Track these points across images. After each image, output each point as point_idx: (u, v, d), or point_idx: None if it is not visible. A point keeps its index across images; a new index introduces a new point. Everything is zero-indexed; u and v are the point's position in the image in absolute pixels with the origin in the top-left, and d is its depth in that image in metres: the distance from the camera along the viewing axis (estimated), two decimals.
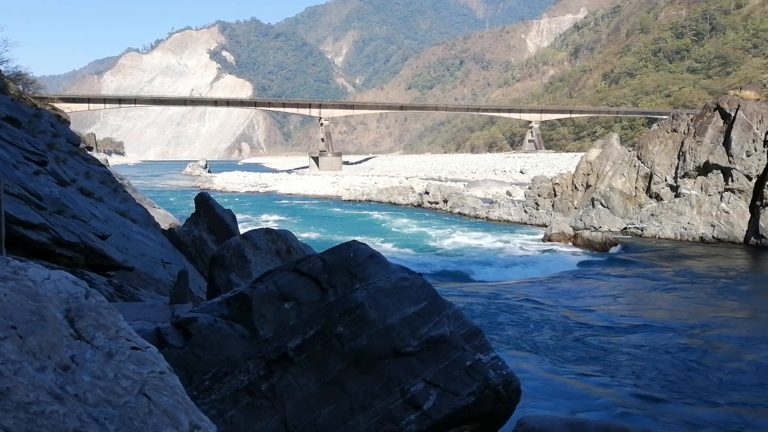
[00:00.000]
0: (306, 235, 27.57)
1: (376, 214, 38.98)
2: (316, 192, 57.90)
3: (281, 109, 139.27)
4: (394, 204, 45.51)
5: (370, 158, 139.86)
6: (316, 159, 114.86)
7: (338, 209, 43.76)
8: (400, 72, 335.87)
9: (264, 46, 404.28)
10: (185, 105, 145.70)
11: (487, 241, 26.78)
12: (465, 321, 4.21)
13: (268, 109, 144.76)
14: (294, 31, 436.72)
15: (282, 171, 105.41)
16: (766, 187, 24.17)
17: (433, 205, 41.97)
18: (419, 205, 43.39)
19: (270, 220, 35.52)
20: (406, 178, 68.69)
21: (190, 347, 3.75)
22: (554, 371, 9.16)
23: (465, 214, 37.40)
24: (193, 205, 13.24)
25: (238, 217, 14.26)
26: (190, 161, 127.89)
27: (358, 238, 5.27)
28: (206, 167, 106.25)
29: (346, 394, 3.76)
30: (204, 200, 13.68)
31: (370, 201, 48.38)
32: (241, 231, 11.36)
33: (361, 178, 74.53)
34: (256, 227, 7.65)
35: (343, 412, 3.70)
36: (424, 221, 35.02)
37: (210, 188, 62.56)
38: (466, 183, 57.29)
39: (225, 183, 69.47)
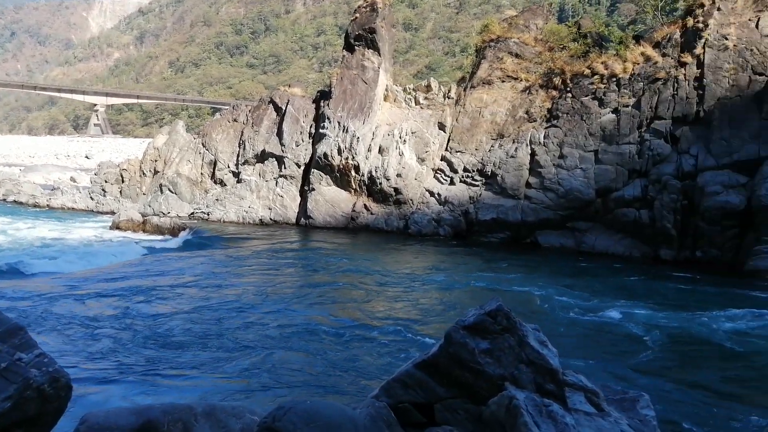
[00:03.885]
0: None
1: None
2: None
3: None
4: None
5: None
6: None
7: None
8: None
9: None
10: None
11: (48, 231, 24.43)
12: (1, 319, 3.78)
13: None
14: None
15: None
16: (311, 174, 27.45)
17: None
18: None
19: None
20: None
21: None
22: (121, 361, 8.92)
23: (22, 203, 33.68)
24: None
25: None
26: None
27: None
28: None
29: None
30: None
31: None
32: None
33: None
34: None
35: None
36: None
37: None
38: (22, 168, 51.43)
39: None
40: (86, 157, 69.27)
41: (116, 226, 25.55)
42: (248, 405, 5.31)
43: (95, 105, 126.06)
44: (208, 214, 28.59)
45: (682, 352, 10.37)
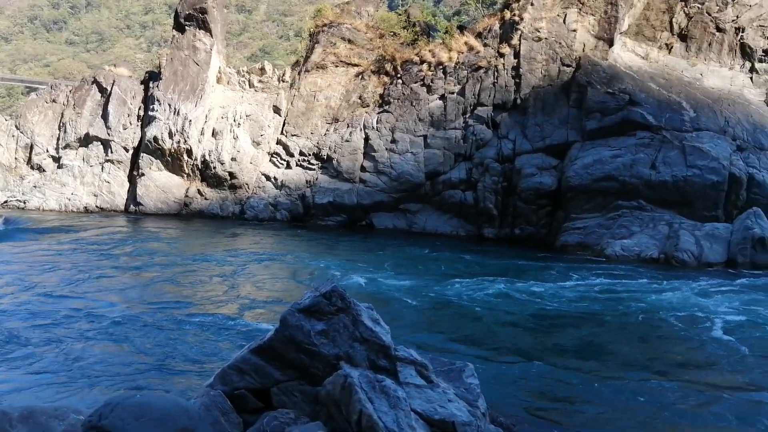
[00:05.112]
0: None
1: None
2: None
3: None
4: None
5: None
6: None
7: None
8: None
9: None
10: None
11: None
12: None
13: None
14: None
15: None
16: (141, 158, 26.19)
17: None
18: None
19: None
20: None
21: None
22: None
23: None
24: None
25: None
26: None
27: None
28: None
29: None
30: None
31: None
32: None
33: None
34: None
35: None
36: None
37: None
38: None
39: None
40: None
41: None
42: (72, 404, 5.06)
43: None
44: (25, 203, 26.38)
45: (483, 320, 11.23)
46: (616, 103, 20.52)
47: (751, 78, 23.03)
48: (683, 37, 22.95)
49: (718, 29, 22.74)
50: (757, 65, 23.00)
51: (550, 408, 7.09)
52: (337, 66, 26.52)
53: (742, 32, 22.78)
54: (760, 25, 22.82)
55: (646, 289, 13.80)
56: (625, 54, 22.47)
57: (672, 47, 22.86)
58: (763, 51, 22.89)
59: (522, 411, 6.79)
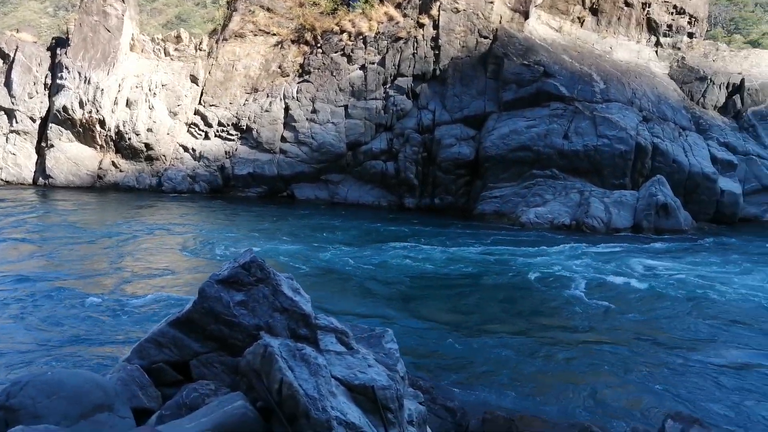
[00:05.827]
0: None
1: None
2: None
3: None
4: None
5: None
6: None
7: None
8: None
9: None
10: None
11: None
12: None
13: None
14: None
15: None
16: (49, 129, 24.99)
17: None
18: None
19: None
20: None
21: None
22: None
23: None
24: None
25: None
26: None
27: None
28: None
29: None
30: None
31: None
32: None
33: None
34: None
35: None
36: None
37: None
38: None
39: None
40: None
41: None
42: None
43: None
44: None
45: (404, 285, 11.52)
46: (531, 75, 21.05)
47: (656, 51, 24.11)
48: (594, 11, 23.70)
49: (627, 4, 23.60)
50: (662, 39, 24.08)
51: (423, 365, 7.40)
52: (256, 35, 25.98)
53: (648, 8, 23.73)
54: (665, 1, 23.82)
55: (533, 253, 14.45)
56: (540, 27, 23.02)
57: (584, 21, 23.58)
58: (668, 26, 23.96)
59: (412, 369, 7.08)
